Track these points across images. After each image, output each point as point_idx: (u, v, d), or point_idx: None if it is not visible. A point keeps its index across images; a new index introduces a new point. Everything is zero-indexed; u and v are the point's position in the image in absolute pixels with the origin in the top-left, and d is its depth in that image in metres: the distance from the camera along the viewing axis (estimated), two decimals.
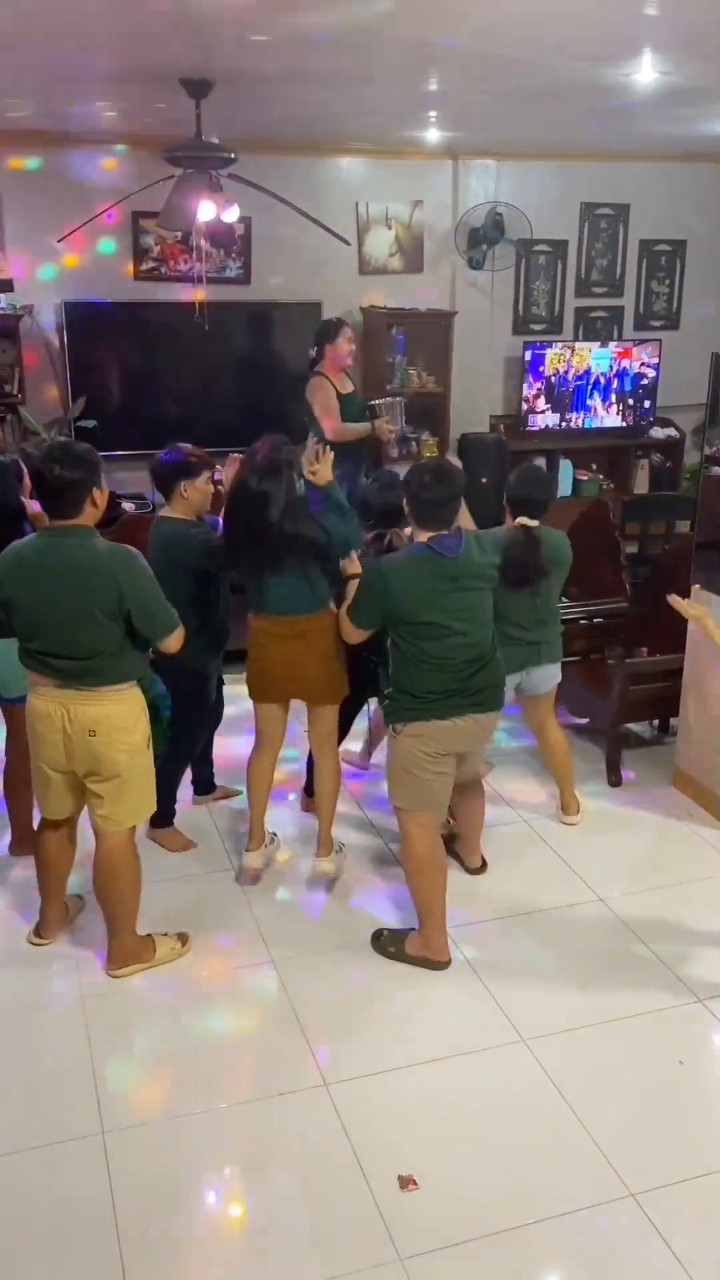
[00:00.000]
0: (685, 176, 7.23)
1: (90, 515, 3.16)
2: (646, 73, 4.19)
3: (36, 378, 6.22)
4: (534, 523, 4.05)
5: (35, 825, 3.69)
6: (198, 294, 5.63)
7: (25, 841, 4.07)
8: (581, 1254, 2.60)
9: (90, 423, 6.21)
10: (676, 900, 3.96)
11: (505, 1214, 2.68)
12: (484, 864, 4.16)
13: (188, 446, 3.97)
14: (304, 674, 3.80)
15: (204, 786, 4.60)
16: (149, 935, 3.59)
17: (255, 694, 3.89)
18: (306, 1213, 2.71)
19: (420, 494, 3.40)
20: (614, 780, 4.84)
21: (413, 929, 3.67)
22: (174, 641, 3.29)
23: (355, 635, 3.63)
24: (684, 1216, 2.68)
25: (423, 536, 3.42)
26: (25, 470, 3.81)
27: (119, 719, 3.24)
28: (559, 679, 4.38)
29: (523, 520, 4.05)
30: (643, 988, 3.51)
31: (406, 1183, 2.76)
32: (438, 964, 3.59)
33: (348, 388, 5.81)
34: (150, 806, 3.51)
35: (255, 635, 3.81)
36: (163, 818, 4.14)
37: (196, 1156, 2.87)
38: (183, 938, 3.67)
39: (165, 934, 3.65)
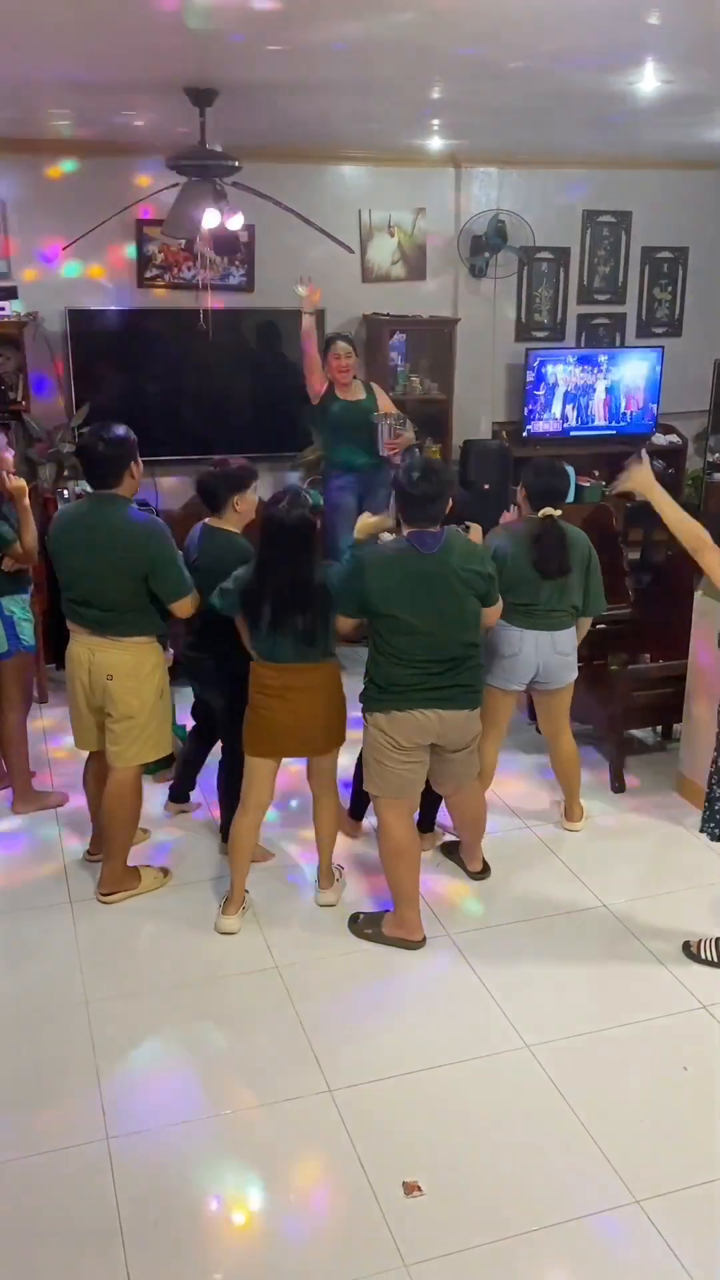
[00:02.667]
0: (687, 184, 7.24)
1: (129, 486, 3.71)
2: (649, 81, 4.20)
3: (40, 385, 6.24)
4: (557, 512, 4.11)
5: (28, 779, 4.52)
6: (206, 301, 5.64)
7: (20, 799, 4.54)
8: (586, 1260, 2.60)
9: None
10: (680, 905, 3.96)
11: (510, 1220, 2.68)
12: (485, 868, 4.16)
13: (236, 459, 4.01)
14: (312, 726, 3.71)
15: (182, 796, 4.61)
16: (135, 867, 4.03)
17: (253, 748, 3.75)
18: (311, 1219, 2.71)
19: (408, 491, 3.48)
20: (617, 786, 4.84)
21: (387, 910, 3.79)
22: (185, 606, 3.73)
23: (345, 624, 3.64)
24: (689, 1222, 2.68)
25: (407, 531, 3.54)
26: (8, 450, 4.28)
27: (134, 667, 3.73)
28: (575, 676, 4.33)
29: (547, 511, 4.09)
30: (647, 993, 3.51)
31: (411, 1189, 2.76)
32: (412, 944, 3.72)
33: (353, 395, 5.84)
34: (158, 752, 3.91)
35: (261, 685, 3.68)
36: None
37: (201, 1163, 2.87)
38: (165, 871, 4.12)
39: (149, 866, 4.09)
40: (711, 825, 3.57)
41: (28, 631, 4.37)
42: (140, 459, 3.76)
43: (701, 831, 3.62)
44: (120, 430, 3.69)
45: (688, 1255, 2.58)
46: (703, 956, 3.64)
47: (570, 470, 7.29)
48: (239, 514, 3.93)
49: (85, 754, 4.09)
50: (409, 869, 3.73)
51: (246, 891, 3.90)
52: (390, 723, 3.57)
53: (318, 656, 3.64)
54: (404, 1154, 2.88)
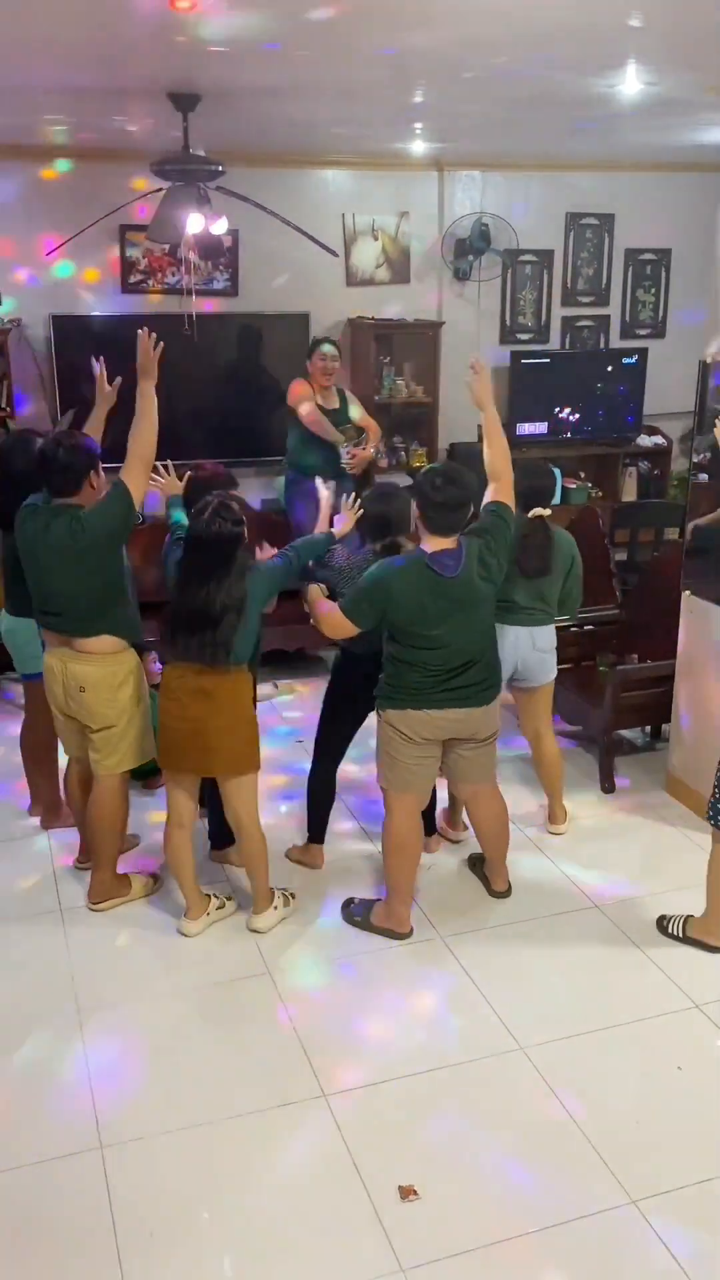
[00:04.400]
0: (669, 186, 7.27)
1: (88, 496, 3.65)
2: (631, 84, 4.21)
3: (25, 390, 6.21)
4: (547, 512, 4.14)
5: (58, 795, 4.42)
6: (190, 306, 5.64)
7: (52, 814, 4.50)
8: (582, 1262, 2.60)
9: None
10: (671, 906, 3.96)
11: (506, 1222, 2.68)
12: (509, 889, 4.07)
13: (209, 464, 4.01)
14: (209, 736, 3.55)
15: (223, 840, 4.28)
16: (125, 874, 4.05)
17: (165, 760, 3.70)
18: (307, 1224, 2.70)
19: (431, 496, 3.40)
20: (607, 787, 4.85)
21: (379, 899, 3.84)
22: (131, 474, 3.63)
23: (344, 630, 3.58)
24: (685, 1223, 2.68)
25: (429, 544, 3.46)
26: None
27: (106, 678, 3.71)
28: (554, 675, 4.35)
29: (537, 511, 4.10)
30: (640, 994, 3.52)
31: (407, 1193, 2.76)
32: (399, 935, 3.77)
33: (329, 403, 5.86)
34: (141, 758, 3.89)
35: (164, 689, 3.61)
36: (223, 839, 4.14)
37: (195, 1171, 2.86)
38: (155, 878, 4.12)
39: (139, 874, 4.11)
40: (715, 816, 3.56)
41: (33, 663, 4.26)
42: (102, 470, 3.70)
43: (708, 818, 3.61)
44: (84, 439, 3.69)
45: (684, 1255, 2.59)
46: (670, 931, 3.79)
47: (557, 471, 7.34)
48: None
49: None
50: (408, 864, 3.75)
51: (224, 896, 3.93)
52: (403, 718, 3.57)
53: (222, 662, 3.48)
54: (399, 1158, 2.87)
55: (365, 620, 3.54)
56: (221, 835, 4.14)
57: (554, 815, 4.52)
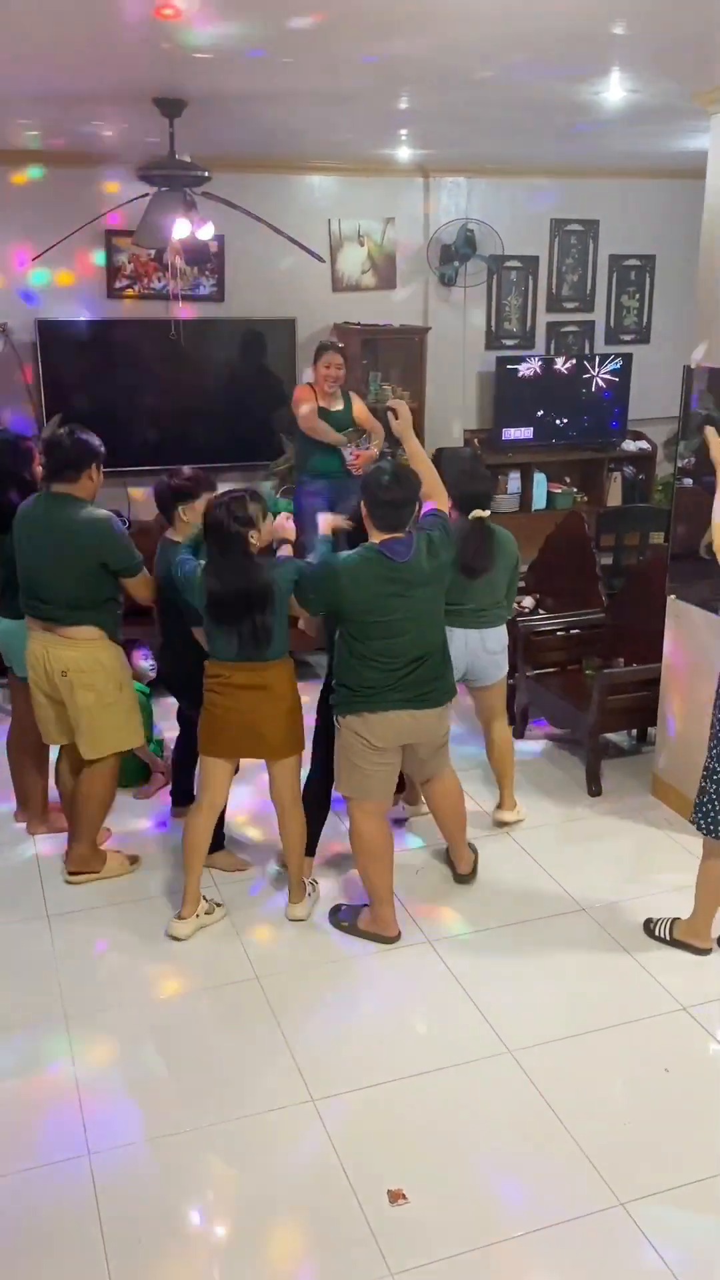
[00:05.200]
0: (653, 192, 7.32)
1: (86, 488, 3.83)
2: (615, 91, 4.25)
3: (11, 396, 6.20)
4: (486, 513, 4.19)
5: (45, 801, 4.49)
6: (176, 311, 5.64)
7: (39, 820, 4.50)
8: (572, 1264, 2.60)
9: None
10: (658, 909, 3.97)
11: (495, 1226, 2.68)
12: (474, 871, 4.17)
13: (186, 470, 4.02)
14: (262, 725, 3.69)
15: (185, 797, 4.55)
16: (103, 850, 4.15)
17: (206, 747, 3.77)
18: (297, 1229, 2.70)
19: (379, 495, 3.51)
20: (594, 790, 4.86)
21: (366, 904, 3.86)
22: (139, 586, 3.91)
23: (308, 622, 3.76)
24: (673, 1224, 2.69)
25: (376, 538, 3.55)
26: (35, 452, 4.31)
27: (86, 662, 3.84)
28: (505, 671, 4.42)
29: (477, 513, 4.16)
30: (627, 996, 3.53)
31: (396, 1197, 2.76)
32: (388, 939, 3.79)
33: (334, 405, 5.86)
34: (128, 741, 4.03)
35: (212, 683, 3.70)
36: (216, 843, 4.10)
37: (184, 1177, 2.85)
38: (134, 859, 4.21)
39: (118, 851, 4.20)
40: (699, 817, 3.56)
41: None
42: (103, 469, 3.90)
43: (693, 821, 3.61)
44: (82, 434, 3.85)
45: (673, 1257, 2.59)
46: (657, 934, 3.79)
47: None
48: (185, 524, 3.91)
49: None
50: (383, 868, 3.77)
51: (214, 901, 3.91)
52: (364, 724, 3.60)
53: (268, 655, 3.62)
54: (388, 1162, 2.87)
55: (313, 605, 3.63)
56: (214, 839, 4.13)
57: (504, 801, 4.57)
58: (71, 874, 4.11)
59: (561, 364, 7.25)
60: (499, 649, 4.34)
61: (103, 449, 3.88)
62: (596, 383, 7.34)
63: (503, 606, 4.34)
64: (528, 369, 7.16)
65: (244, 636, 3.57)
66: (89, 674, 3.85)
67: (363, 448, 5.89)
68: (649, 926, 3.83)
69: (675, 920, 3.77)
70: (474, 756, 4.84)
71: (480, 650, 4.26)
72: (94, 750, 3.95)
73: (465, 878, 4.16)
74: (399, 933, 3.80)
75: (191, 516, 3.89)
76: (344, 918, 3.89)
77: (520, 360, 7.16)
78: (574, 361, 7.29)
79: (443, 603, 3.68)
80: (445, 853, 4.27)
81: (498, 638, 4.32)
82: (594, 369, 7.33)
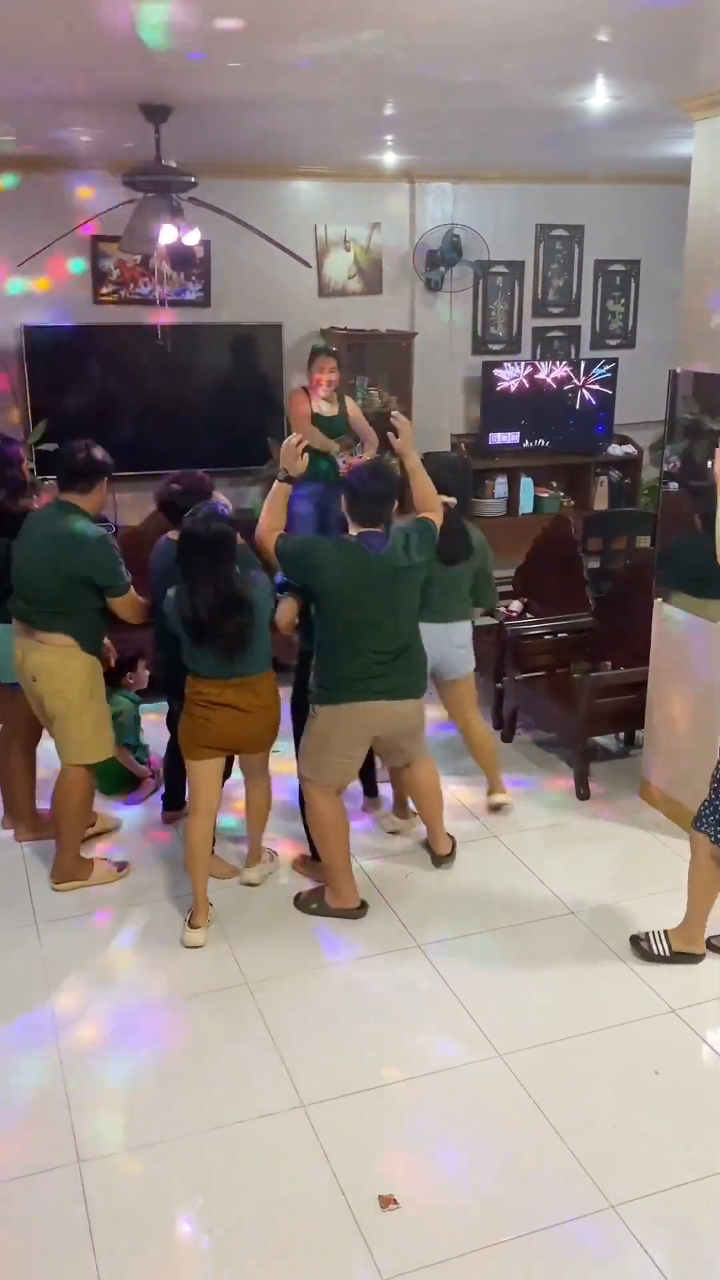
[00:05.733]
0: (638, 198, 7.35)
1: (93, 502, 3.95)
2: (599, 97, 4.27)
3: None
4: (453, 501, 4.21)
5: (32, 808, 4.50)
6: (164, 317, 5.64)
7: (25, 827, 4.50)
8: (563, 1267, 2.61)
9: (52, 447, 6.17)
10: (647, 911, 3.98)
11: (486, 1230, 2.68)
12: (452, 853, 4.29)
13: (196, 473, 4.09)
14: (247, 732, 3.79)
15: (176, 803, 4.54)
16: (90, 859, 4.20)
17: (190, 752, 3.80)
18: (288, 1235, 2.69)
19: (358, 489, 3.64)
20: (582, 793, 4.87)
21: (324, 885, 3.99)
22: (124, 605, 3.93)
23: (287, 611, 3.82)
24: (664, 1226, 2.69)
25: (355, 530, 3.66)
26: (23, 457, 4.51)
27: (57, 670, 3.89)
28: (472, 667, 4.54)
29: (443, 499, 4.09)
30: (616, 999, 3.53)
31: (387, 1202, 2.75)
32: (355, 912, 3.93)
33: (329, 410, 5.84)
34: (94, 755, 4.04)
35: (195, 697, 3.73)
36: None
37: (174, 1184, 2.84)
38: (121, 866, 4.24)
39: (104, 859, 4.25)
40: (701, 823, 3.51)
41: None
42: (107, 484, 4.02)
43: (695, 826, 3.56)
44: (99, 452, 3.95)
45: (663, 1259, 2.60)
46: (655, 953, 3.68)
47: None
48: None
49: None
50: (342, 842, 3.91)
51: (210, 904, 3.89)
52: (338, 714, 3.72)
53: (250, 670, 3.69)
54: (379, 1167, 2.87)
55: (297, 575, 3.71)
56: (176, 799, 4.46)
57: (493, 787, 4.70)
58: (57, 884, 4.13)
59: (548, 369, 7.28)
60: (463, 643, 4.45)
61: (112, 466, 4.00)
62: (583, 388, 7.37)
63: (467, 603, 4.46)
64: (514, 373, 7.18)
65: (227, 652, 3.61)
66: (58, 681, 3.90)
67: (355, 455, 5.89)
68: (640, 946, 3.70)
69: (666, 932, 3.68)
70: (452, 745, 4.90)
71: (446, 644, 4.35)
72: (66, 758, 4.03)
73: (443, 860, 4.26)
74: (363, 902, 3.95)
75: None
76: (309, 901, 3.99)
77: (506, 365, 7.19)
78: (560, 366, 7.32)
79: (417, 600, 3.79)
80: (425, 844, 4.37)
81: (463, 632, 4.45)
82: (580, 374, 7.36)
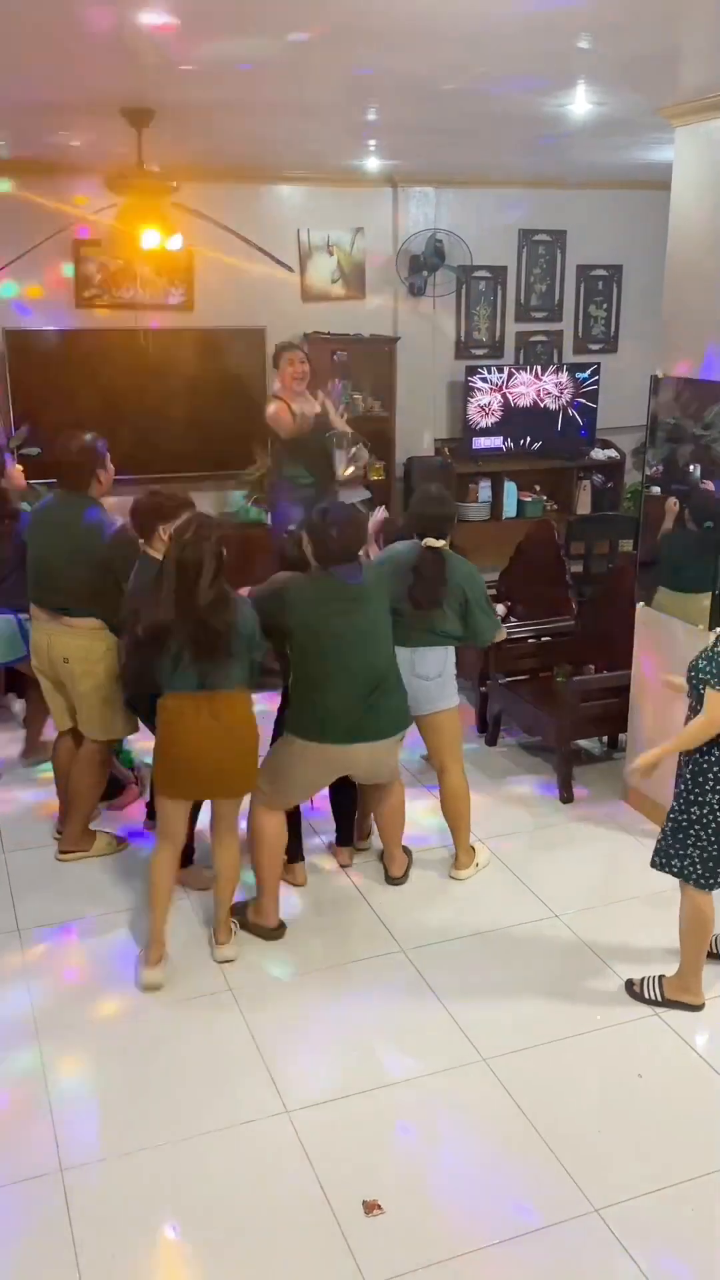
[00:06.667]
0: (620, 203, 7.38)
1: (97, 489, 4.11)
2: (580, 104, 4.29)
3: None
4: (440, 544, 3.96)
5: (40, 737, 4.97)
6: (145, 323, 5.64)
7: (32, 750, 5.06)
8: (548, 1271, 2.61)
9: (34, 451, 6.17)
10: (630, 914, 4.00)
11: (471, 1234, 2.68)
12: (405, 874, 4.21)
13: (165, 490, 3.98)
14: (218, 758, 3.52)
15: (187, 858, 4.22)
16: (94, 831, 4.37)
17: (162, 787, 3.61)
18: (272, 1242, 2.68)
19: (330, 546, 3.57)
20: (565, 797, 4.88)
21: (249, 900, 3.91)
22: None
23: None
24: (647, 1229, 2.70)
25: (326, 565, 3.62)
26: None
27: (86, 651, 4.08)
28: (450, 705, 4.08)
29: (429, 542, 3.95)
30: (600, 1003, 3.54)
31: (371, 1208, 2.75)
32: (270, 931, 3.84)
33: (311, 409, 5.81)
34: (110, 733, 4.20)
35: (165, 719, 3.52)
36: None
37: (158, 1192, 2.83)
38: (121, 840, 4.41)
39: (107, 832, 4.41)
40: (666, 862, 3.41)
41: None
42: (109, 469, 4.15)
43: (660, 867, 3.46)
44: (86, 438, 4.09)
45: (647, 1262, 2.60)
46: (646, 996, 3.53)
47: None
48: (165, 542, 3.74)
49: None
50: (277, 861, 3.85)
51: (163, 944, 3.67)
52: (308, 752, 3.66)
53: (225, 684, 3.49)
54: (363, 1173, 2.86)
55: (266, 614, 3.61)
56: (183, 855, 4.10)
57: (457, 859, 4.24)
58: (63, 853, 4.31)
59: (530, 373, 7.30)
60: (431, 674, 3.99)
61: (101, 446, 4.09)
62: (566, 392, 7.40)
63: (438, 631, 3.97)
64: (497, 378, 7.20)
65: (202, 667, 3.44)
66: (89, 662, 4.09)
67: (347, 447, 5.86)
68: (633, 989, 3.54)
69: (661, 978, 3.54)
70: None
71: (409, 672, 3.90)
72: (91, 734, 4.19)
73: (397, 880, 4.19)
74: (280, 923, 3.87)
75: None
76: (240, 912, 3.89)
77: (489, 370, 7.21)
78: (543, 371, 7.34)
79: (389, 624, 3.70)
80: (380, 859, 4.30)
81: (431, 662, 3.98)
82: (563, 378, 7.39)
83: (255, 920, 3.87)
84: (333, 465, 5.74)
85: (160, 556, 3.81)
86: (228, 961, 3.71)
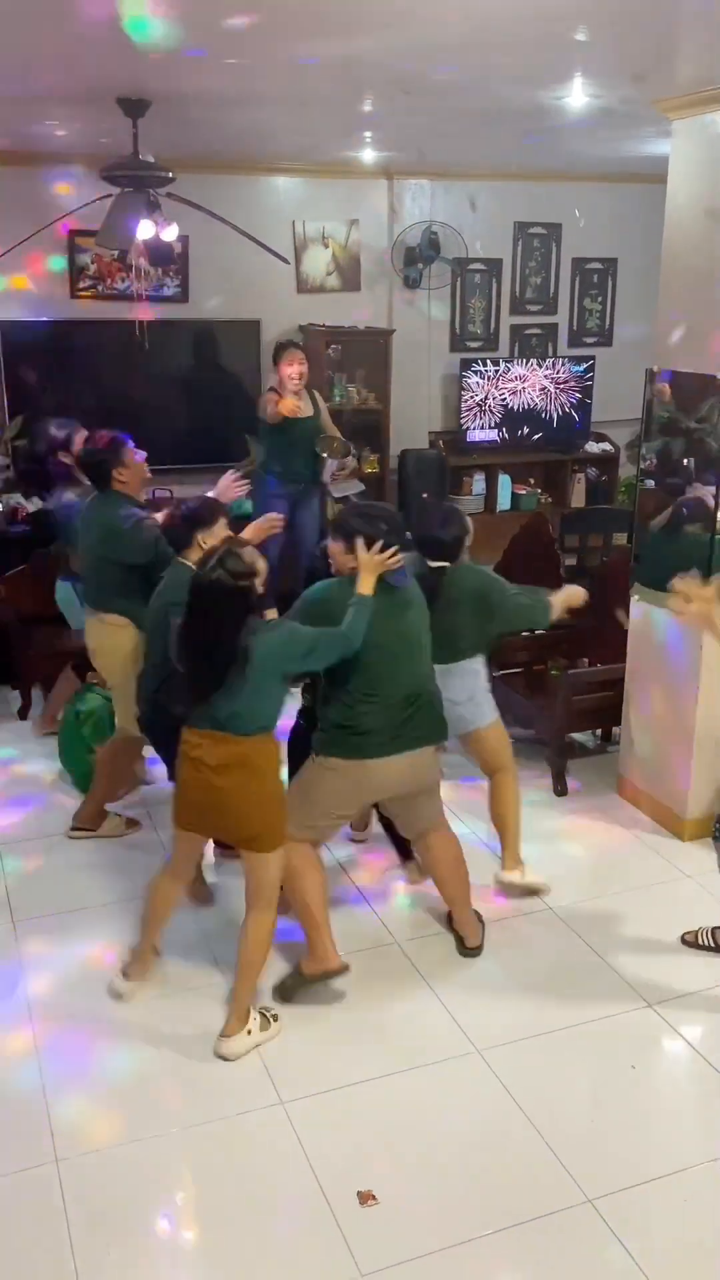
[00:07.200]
0: (615, 196, 7.38)
1: (120, 485, 4.17)
2: (577, 96, 4.28)
3: None
4: (441, 564, 3.78)
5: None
6: (141, 314, 5.63)
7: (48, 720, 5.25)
8: (541, 1261, 2.62)
9: (25, 443, 6.16)
10: (624, 907, 4.01)
11: (465, 1225, 2.69)
12: (480, 945, 3.75)
13: (202, 497, 3.89)
14: (229, 806, 3.18)
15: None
16: (105, 811, 4.44)
17: (176, 817, 3.35)
18: (266, 1233, 2.70)
19: (374, 531, 3.28)
20: (560, 790, 4.89)
21: (298, 959, 3.53)
22: None
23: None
24: (640, 1219, 2.71)
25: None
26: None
27: (107, 647, 4.25)
28: (483, 724, 3.93)
29: (437, 564, 3.78)
30: (593, 994, 3.55)
31: (366, 1198, 2.76)
32: (334, 972, 3.46)
33: (302, 411, 5.85)
34: (127, 724, 4.17)
35: (182, 750, 3.24)
36: None
37: (153, 1182, 2.84)
38: (131, 822, 4.50)
39: (118, 814, 4.49)
40: None
41: None
42: (129, 463, 4.15)
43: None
44: (100, 439, 4.18)
45: (640, 1252, 2.62)
46: (701, 943, 3.73)
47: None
48: (202, 550, 3.57)
49: None
50: (321, 899, 3.47)
51: (270, 1014, 3.36)
52: (351, 772, 3.36)
53: (241, 728, 3.13)
54: (358, 1163, 2.87)
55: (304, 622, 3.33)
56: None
57: (505, 859, 4.09)
58: (74, 829, 4.43)
59: (525, 366, 7.30)
60: (461, 698, 3.82)
61: (115, 441, 4.14)
62: (561, 385, 7.40)
63: (458, 649, 3.79)
64: (492, 371, 7.20)
65: (214, 703, 3.11)
66: (104, 656, 4.28)
67: (339, 454, 5.90)
68: (687, 940, 3.74)
69: (715, 929, 3.70)
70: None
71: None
72: (118, 721, 4.35)
73: (473, 951, 3.73)
74: (343, 963, 3.47)
75: (212, 541, 3.55)
76: (293, 988, 3.48)
77: (484, 362, 7.20)
78: (538, 364, 7.34)
79: (428, 633, 3.47)
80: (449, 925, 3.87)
81: (458, 687, 3.81)
82: (557, 371, 7.39)
83: (311, 970, 3.45)
84: (313, 466, 5.82)
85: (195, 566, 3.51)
86: (224, 1058, 3.21)
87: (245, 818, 3.21)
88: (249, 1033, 3.27)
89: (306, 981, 3.49)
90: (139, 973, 3.51)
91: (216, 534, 3.63)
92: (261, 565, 3.19)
